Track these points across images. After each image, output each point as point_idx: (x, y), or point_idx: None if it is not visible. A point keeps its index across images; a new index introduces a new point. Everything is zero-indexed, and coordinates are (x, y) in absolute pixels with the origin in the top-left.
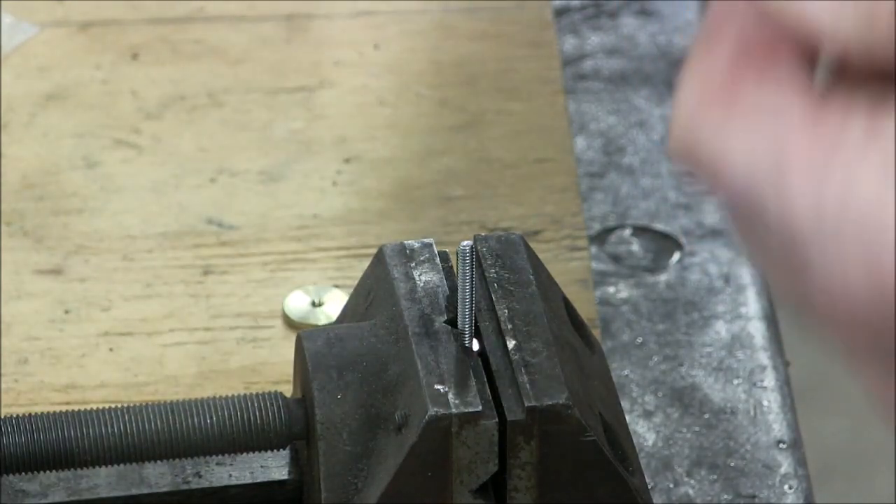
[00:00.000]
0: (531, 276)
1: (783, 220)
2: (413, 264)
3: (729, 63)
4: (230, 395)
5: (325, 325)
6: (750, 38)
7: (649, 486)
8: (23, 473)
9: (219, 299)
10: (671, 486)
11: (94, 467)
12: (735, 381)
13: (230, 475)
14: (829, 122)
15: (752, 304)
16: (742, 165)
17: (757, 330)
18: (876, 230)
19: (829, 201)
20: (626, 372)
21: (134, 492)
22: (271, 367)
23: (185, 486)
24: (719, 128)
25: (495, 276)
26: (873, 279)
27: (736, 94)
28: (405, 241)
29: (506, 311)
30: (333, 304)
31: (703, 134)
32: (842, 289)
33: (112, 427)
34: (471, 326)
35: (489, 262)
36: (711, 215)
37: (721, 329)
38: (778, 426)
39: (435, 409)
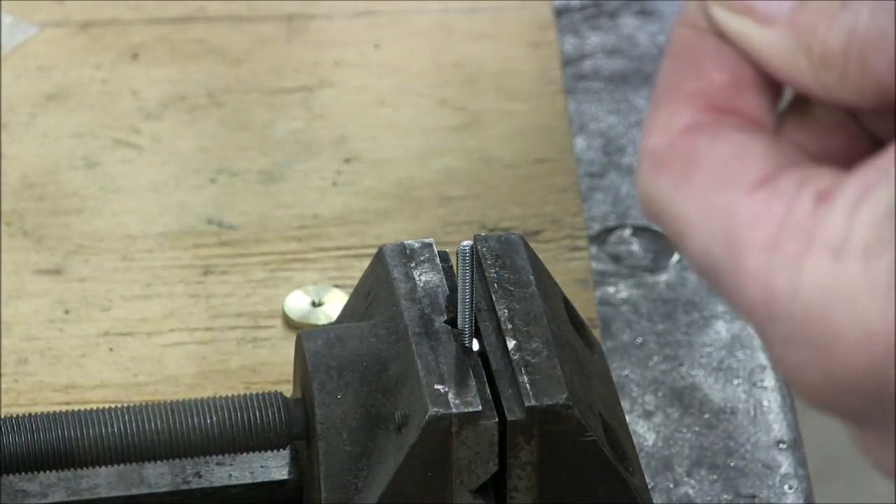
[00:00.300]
0: (531, 276)
1: (738, 300)
2: (413, 264)
3: (687, 112)
4: (230, 395)
5: (325, 325)
6: (710, 77)
7: (649, 486)
8: (23, 473)
9: (219, 299)
10: (671, 486)
11: (94, 467)
12: (735, 381)
13: (230, 475)
14: (782, 189)
15: None
16: (698, 234)
17: None
18: (823, 325)
19: (779, 289)
20: (626, 372)
21: (134, 492)
22: (271, 367)
23: (185, 486)
24: (676, 190)
25: (495, 276)
26: (826, 375)
27: (692, 153)
28: (405, 241)
29: (506, 311)
30: (333, 304)
31: (661, 196)
32: (797, 374)
33: (112, 427)
34: (471, 326)
35: (489, 262)
36: None
37: (721, 329)
38: (778, 426)
39: (435, 409)
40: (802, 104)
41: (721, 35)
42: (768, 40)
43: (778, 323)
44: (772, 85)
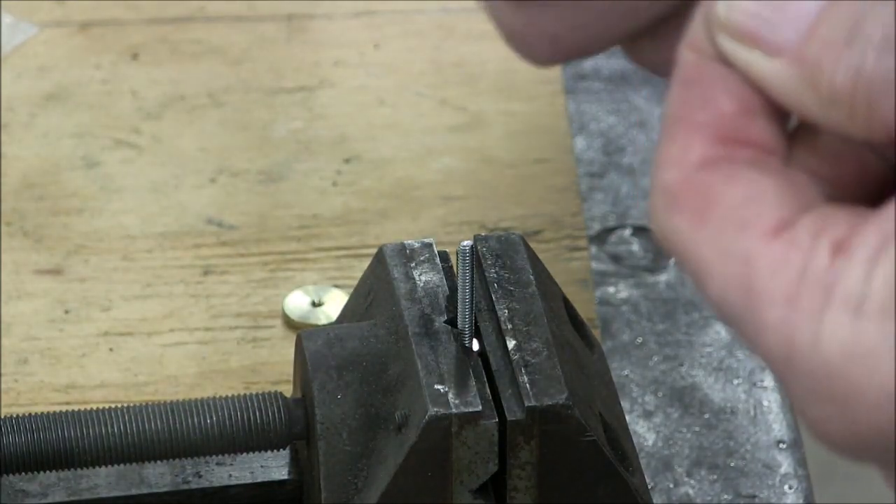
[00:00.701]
0: (531, 276)
1: (757, 348)
2: (413, 264)
3: (699, 144)
4: (230, 395)
5: (325, 325)
6: (719, 107)
7: (649, 486)
8: (23, 473)
9: (219, 299)
10: (671, 486)
11: (94, 467)
12: (735, 381)
13: (230, 475)
14: (799, 238)
15: None
16: (716, 280)
17: None
18: (844, 384)
19: (799, 344)
20: (626, 372)
21: (134, 492)
22: (271, 367)
23: (185, 486)
24: (692, 232)
25: (495, 276)
26: (848, 430)
27: (708, 193)
28: (405, 241)
29: (506, 311)
30: (333, 304)
31: (677, 235)
32: (821, 426)
33: (112, 427)
34: (471, 326)
35: (489, 262)
36: None
37: (721, 329)
38: (778, 426)
39: (435, 409)
40: (812, 126)
41: (728, 62)
42: (776, 72)
43: (799, 376)
44: (781, 110)
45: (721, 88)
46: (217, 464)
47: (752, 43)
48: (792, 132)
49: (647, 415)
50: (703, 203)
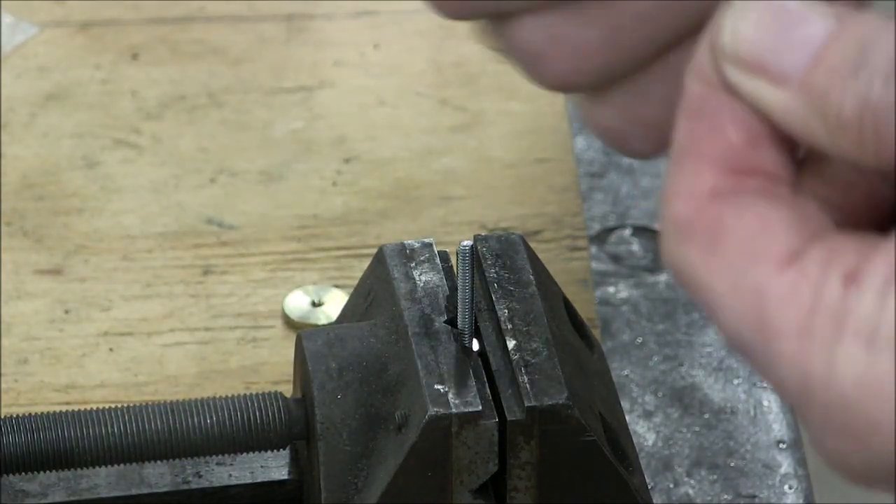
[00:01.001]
0: (531, 276)
1: (771, 379)
2: (413, 264)
3: (708, 176)
4: (230, 395)
5: (325, 325)
6: (727, 138)
7: (649, 486)
8: (23, 473)
9: (219, 299)
10: (671, 486)
11: (94, 467)
12: (735, 381)
13: (230, 475)
14: (809, 269)
15: None
16: (728, 312)
17: None
18: (859, 416)
19: (814, 377)
20: (626, 372)
21: (134, 492)
22: (271, 367)
23: (185, 486)
24: (704, 264)
25: (495, 276)
26: (865, 462)
27: (718, 225)
28: (405, 241)
29: (506, 311)
30: (333, 304)
31: (688, 267)
32: (837, 457)
33: (112, 427)
34: (471, 326)
35: (489, 262)
36: None
37: None
38: (778, 426)
39: (435, 409)
40: (821, 154)
41: (734, 92)
42: (782, 102)
43: (814, 408)
44: (789, 138)
45: (728, 118)
46: (217, 464)
47: (757, 72)
48: (801, 160)
49: (647, 415)
50: (713, 235)
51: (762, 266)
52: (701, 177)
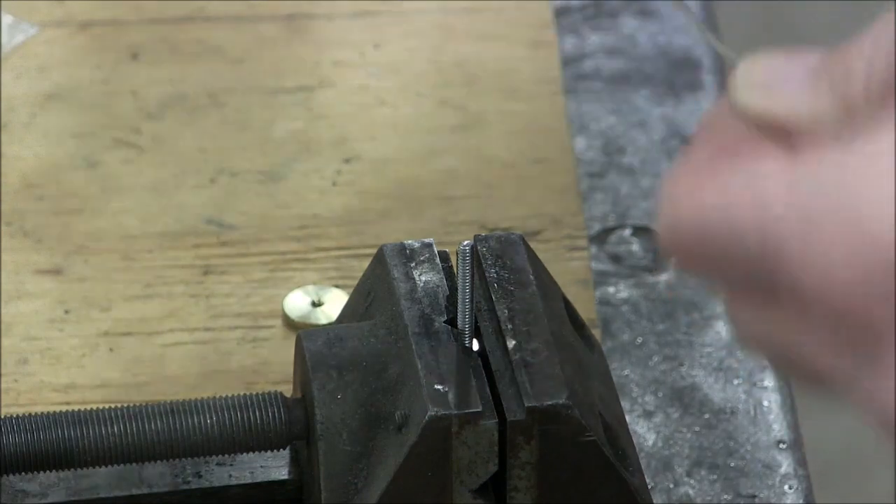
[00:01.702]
0: (531, 276)
1: (763, 231)
2: (413, 264)
3: (710, 153)
4: (230, 395)
5: (325, 325)
6: (734, 137)
7: (649, 486)
8: (23, 473)
9: (219, 299)
10: (671, 486)
11: (94, 467)
12: (735, 381)
13: (230, 475)
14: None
15: None
16: (720, 210)
17: None
18: (847, 196)
19: (805, 171)
20: (626, 372)
21: (134, 492)
22: (271, 367)
23: (185, 486)
24: (697, 194)
25: (495, 276)
26: (856, 262)
27: (714, 171)
28: (405, 241)
29: (506, 311)
30: (333, 304)
31: (682, 204)
32: (823, 281)
33: (112, 427)
34: (471, 326)
35: (489, 262)
36: None
37: (721, 329)
38: (778, 426)
39: (435, 409)
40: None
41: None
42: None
43: (801, 210)
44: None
45: (735, 128)
46: (217, 464)
47: (765, 86)
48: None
49: (647, 415)
50: (710, 174)
51: (757, 166)
52: (703, 155)
